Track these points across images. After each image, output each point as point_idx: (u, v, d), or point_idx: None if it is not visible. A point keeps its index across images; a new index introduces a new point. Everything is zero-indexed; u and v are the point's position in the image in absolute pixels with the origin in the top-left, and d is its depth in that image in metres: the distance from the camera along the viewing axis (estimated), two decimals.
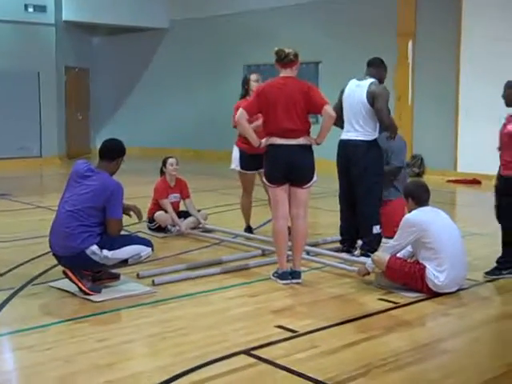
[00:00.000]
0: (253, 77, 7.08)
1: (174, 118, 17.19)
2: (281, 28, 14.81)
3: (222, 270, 5.85)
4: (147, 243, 5.34)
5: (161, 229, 7.45)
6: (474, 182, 11.77)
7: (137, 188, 9.39)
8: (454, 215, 9.21)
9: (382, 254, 5.34)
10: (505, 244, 5.83)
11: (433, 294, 5.11)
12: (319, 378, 3.59)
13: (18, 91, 14.79)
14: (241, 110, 5.43)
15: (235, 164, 7.17)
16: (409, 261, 5.31)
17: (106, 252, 5.00)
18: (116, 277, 5.40)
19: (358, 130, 6.22)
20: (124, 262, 5.19)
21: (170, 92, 17.28)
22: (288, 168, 5.42)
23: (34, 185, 12.61)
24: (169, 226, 7.43)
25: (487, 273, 5.77)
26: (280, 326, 4.43)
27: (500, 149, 5.98)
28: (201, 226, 7.57)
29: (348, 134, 6.29)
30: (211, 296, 5.18)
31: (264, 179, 5.62)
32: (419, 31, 12.76)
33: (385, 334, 4.37)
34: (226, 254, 6.52)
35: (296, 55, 5.53)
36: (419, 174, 12.71)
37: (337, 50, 14.03)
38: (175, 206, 7.65)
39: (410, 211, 5.35)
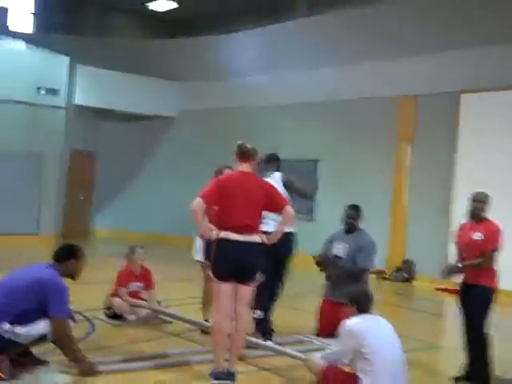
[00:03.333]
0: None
1: (175, 205, 17.18)
2: (282, 125, 15.05)
3: (155, 364, 5.61)
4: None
5: (117, 316, 7.25)
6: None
7: None
8: (430, 325, 8.98)
9: (319, 361, 5.09)
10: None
11: None
12: None
13: (22, 170, 15.04)
14: (198, 198, 5.28)
15: (199, 255, 7.02)
16: (347, 371, 5.05)
17: (18, 328, 4.83)
18: (43, 363, 5.20)
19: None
20: (43, 339, 4.99)
21: (173, 180, 17.37)
22: (239, 265, 5.26)
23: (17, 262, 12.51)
24: (125, 315, 7.23)
25: None
26: None
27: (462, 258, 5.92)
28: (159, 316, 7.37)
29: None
30: None
31: (211, 274, 5.43)
32: (418, 137, 12.79)
33: None
34: (174, 346, 6.28)
35: (255, 151, 5.55)
36: (408, 280, 12.52)
37: (336, 150, 14.13)
38: (137, 296, 7.48)
39: (350, 317, 5.13)
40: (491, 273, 5.83)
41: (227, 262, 5.26)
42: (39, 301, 4.91)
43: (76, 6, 19.20)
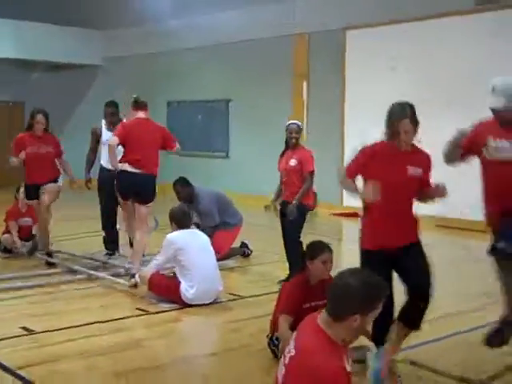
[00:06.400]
0: None
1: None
2: (198, 68, 15.78)
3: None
4: None
5: (7, 250, 8.21)
6: (354, 215, 12.54)
7: None
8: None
9: (147, 270, 6.14)
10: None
11: (186, 305, 5.89)
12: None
13: None
14: (114, 137, 6.90)
15: None
16: (168, 275, 6.11)
17: None
18: None
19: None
20: None
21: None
22: (135, 190, 6.85)
23: None
24: (14, 249, 8.18)
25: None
26: (24, 328, 5.21)
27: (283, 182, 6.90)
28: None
29: None
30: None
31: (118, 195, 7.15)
32: (311, 73, 13.69)
33: (110, 333, 5.21)
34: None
35: (146, 103, 7.15)
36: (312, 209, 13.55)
37: (244, 90, 14.94)
38: (26, 229, 8.45)
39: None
40: (308, 192, 6.83)
41: (126, 187, 6.92)
42: None
43: None
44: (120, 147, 6.91)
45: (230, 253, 8.03)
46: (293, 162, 6.81)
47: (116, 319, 5.55)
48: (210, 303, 6.00)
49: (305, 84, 13.87)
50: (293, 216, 6.66)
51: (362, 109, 12.58)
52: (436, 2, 11.56)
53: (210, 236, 6.82)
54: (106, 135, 7.95)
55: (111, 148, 6.86)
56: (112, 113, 8.14)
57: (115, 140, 6.83)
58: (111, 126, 7.93)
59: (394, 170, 4.27)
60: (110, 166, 7.35)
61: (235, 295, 6.39)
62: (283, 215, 6.85)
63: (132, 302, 6.12)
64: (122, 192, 7.02)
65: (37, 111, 7.80)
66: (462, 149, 4.56)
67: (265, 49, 14.48)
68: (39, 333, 5.13)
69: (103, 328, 5.32)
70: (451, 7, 11.22)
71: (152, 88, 16.87)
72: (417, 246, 4.40)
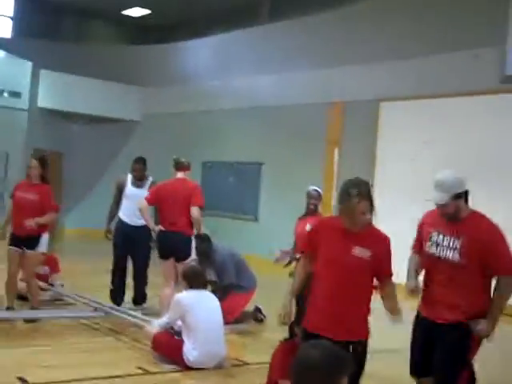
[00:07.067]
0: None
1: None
2: (233, 129, 15.97)
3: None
4: None
5: (21, 297, 8.15)
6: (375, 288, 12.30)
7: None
8: None
9: (152, 328, 6.07)
10: None
11: (187, 368, 5.77)
12: None
13: None
14: (144, 201, 7.20)
15: None
16: (175, 337, 6.01)
17: None
18: None
19: None
20: None
21: None
22: (172, 249, 7.15)
23: None
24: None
25: None
26: (20, 378, 5.16)
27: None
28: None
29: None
30: None
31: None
32: (343, 142, 13.72)
33: None
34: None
35: (189, 164, 7.38)
36: None
37: (277, 154, 15.01)
38: (45, 278, 8.52)
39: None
40: None
41: (162, 247, 7.21)
42: None
43: (54, 12, 19.98)
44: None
45: (242, 317, 7.93)
46: (309, 227, 6.75)
47: (115, 376, 5.47)
48: (213, 368, 5.88)
49: (336, 151, 13.89)
50: None
51: (393, 182, 12.50)
52: (466, 80, 11.60)
53: (222, 298, 6.78)
54: (131, 189, 8.08)
55: (142, 211, 7.19)
56: (139, 169, 8.25)
57: (144, 203, 7.16)
58: (137, 182, 8.07)
59: (339, 247, 3.91)
60: (126, 219, 7.52)
61: (240, 361, 6.26)
62: None
63: (134, 359, 6.02)
64: (160, 252, 7.23)
65: (34, 157, 7.55)
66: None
67: (299, 114, 14.60)
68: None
69: None
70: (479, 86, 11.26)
71: (187, 147, 16.99)
72: (358, 347, 3.86)
